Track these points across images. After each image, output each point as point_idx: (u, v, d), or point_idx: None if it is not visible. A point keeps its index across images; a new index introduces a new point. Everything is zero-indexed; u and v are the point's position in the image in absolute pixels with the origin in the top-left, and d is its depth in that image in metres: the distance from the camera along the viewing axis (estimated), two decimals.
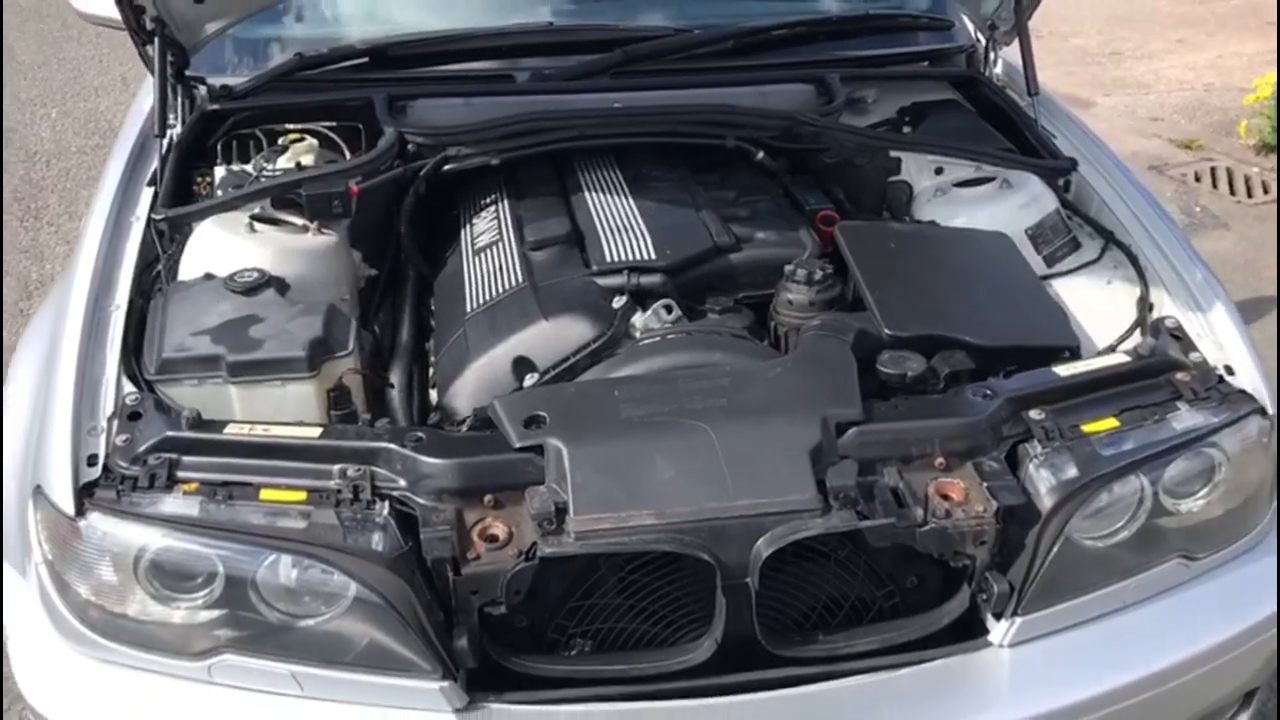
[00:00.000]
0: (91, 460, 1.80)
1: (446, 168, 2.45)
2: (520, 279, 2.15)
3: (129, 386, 1.93)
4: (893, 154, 2.53)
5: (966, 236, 2.29)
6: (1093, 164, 2.53)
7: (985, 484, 1.76)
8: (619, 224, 2.27)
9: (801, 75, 2.70)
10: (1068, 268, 2.36)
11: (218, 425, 1.82)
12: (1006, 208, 2.39)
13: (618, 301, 2.05)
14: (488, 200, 2.52)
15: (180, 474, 1.77)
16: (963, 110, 2.78)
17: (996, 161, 2.50)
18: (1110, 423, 1.87)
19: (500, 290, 2.15)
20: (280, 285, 2.11)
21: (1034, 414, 1.85)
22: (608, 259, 2.14)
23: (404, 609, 1.64)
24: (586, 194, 2.43)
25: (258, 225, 2.26)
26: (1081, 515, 1.79)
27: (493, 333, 2.06)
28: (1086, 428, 1.86)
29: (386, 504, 1.71)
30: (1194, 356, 2.00)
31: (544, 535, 1.67)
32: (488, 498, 1.72)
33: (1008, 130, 2.68)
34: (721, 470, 1.71)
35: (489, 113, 2.50)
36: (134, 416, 1.85)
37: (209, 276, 2.14)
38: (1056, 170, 2.50)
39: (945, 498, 1.76)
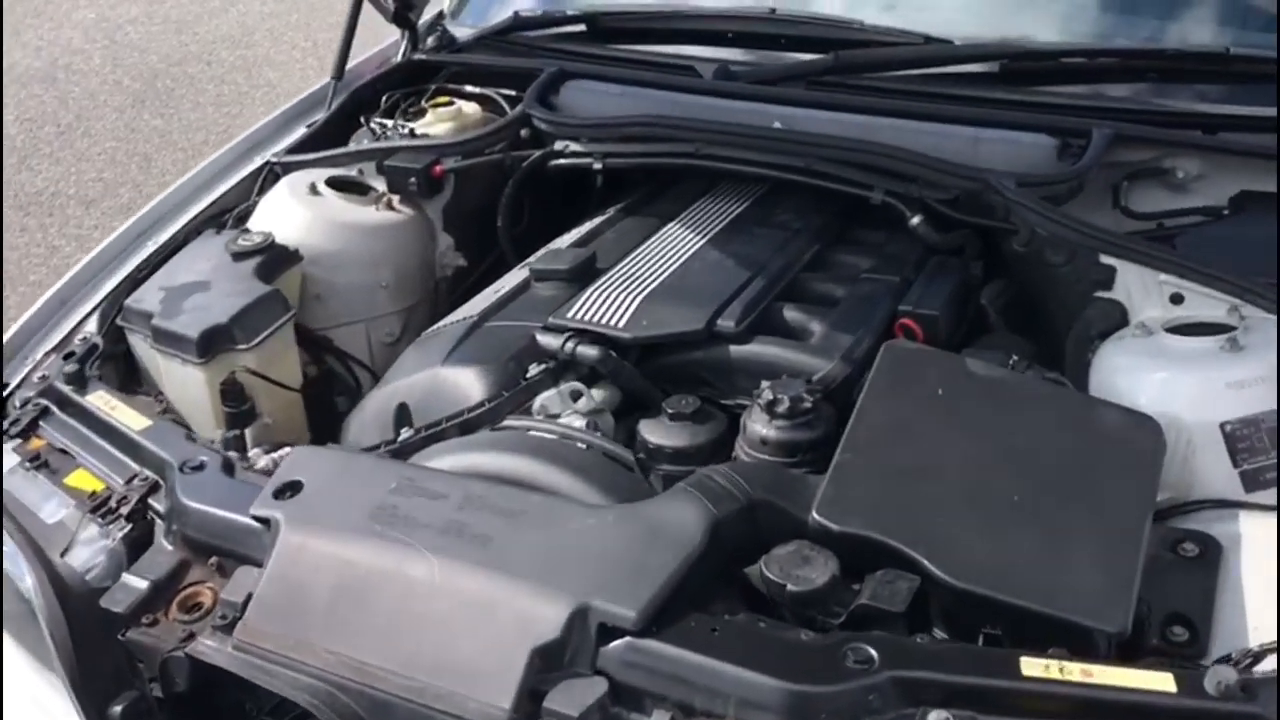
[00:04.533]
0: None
1: (552, 163, 2.11)
2: (487, 309, 1.78)
3: (93, 325, 1.90)
4: (1104, 260, 1.72)
5: (1075, 409, 1.48)
6: None
7: None
8: (639, 273, 1.79)
9: (1054, 123, 1.93)
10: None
11: (94, 388, 1.73)
12: (1213, 382, 1.51)
13: (534, 371, 1.61)
14: (607, 212, 2.14)
15: (43, 425, 1.71)
16: None
17: (1266, 303, 1.60)
18: None
19: (467, 313, 1.80)
20: (281, 257, 1.95)
21: (935, 716, 1.15)
22: (569, 314, 1.69)
23: (61, 648, 1.43)
24: (670, 227, 1.96)
25: (322, 189, 2.11)
26: None
27: (410, 363, 1.73)
28: None
29: (125, 529, 1.51)
30: None
31: (214, 629, 1.36)
32: (214, 559, 1.45)
33: None
34: (424, 629, 1.27)
35: (631, 106, 2.10)
36: (68, 356, 1.82)
37: (244, 232, 2.04)
38: None
39: None
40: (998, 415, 1.45)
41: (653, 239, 1.91)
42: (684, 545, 1.29)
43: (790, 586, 1.28)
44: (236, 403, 1.74)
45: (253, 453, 1.73)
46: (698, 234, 1.91)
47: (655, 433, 1.58)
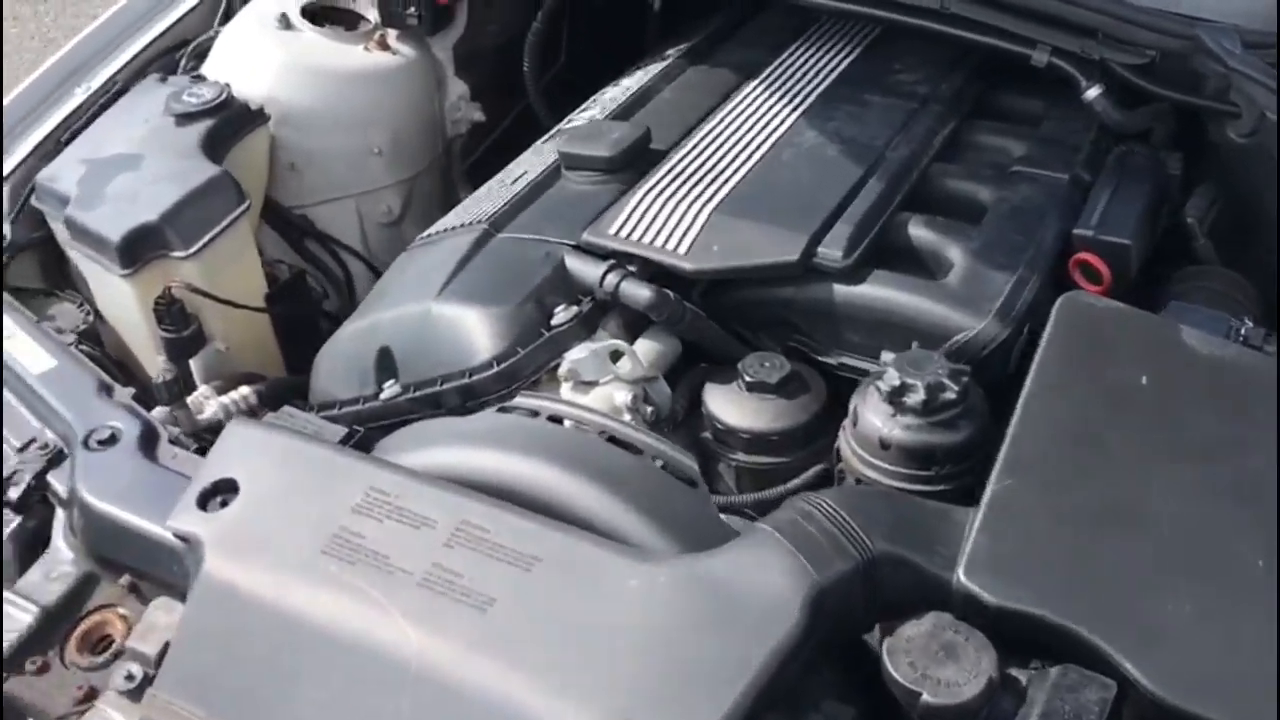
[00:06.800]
0: None
1: None
2: (494, 208, 1.32)
3: None
4: None
5: None
6: None
7: None
8: (705, 165, 1.31)
9: None
10: None
11: None
12: None
13: (562, 314, 1.17)
14: (663, 57, 1.63)
15: None
16: None
17: None
18: None
19: (475, 213, 1.34)
20: (238, 119, 1.49)
21: None
22: (611, 228, 1.23)
23: None
24: (749, 91, 1.46)
25: (296, 21, 1.62)
26: None
27: (397, 287, 1.29)
28: None
29: (13, 521, 1.13)
30: None
31: (119, 693, 1.00)
32: (126, 576, 1.08)
33: None
34: None
35: None
36: None
37: (197, 78, 1.57)
38: None
39: None
40: (1228, 421, 1.00)
41: (724, 108, 1.42)
42: (772, 631, 0.88)
43: (927, 696, 0.87)
44: (176, 326, 1.33)
45: (200, 393, 1.33)
46: (787, 102, 1.41)
47: (728, 408, 1.15)
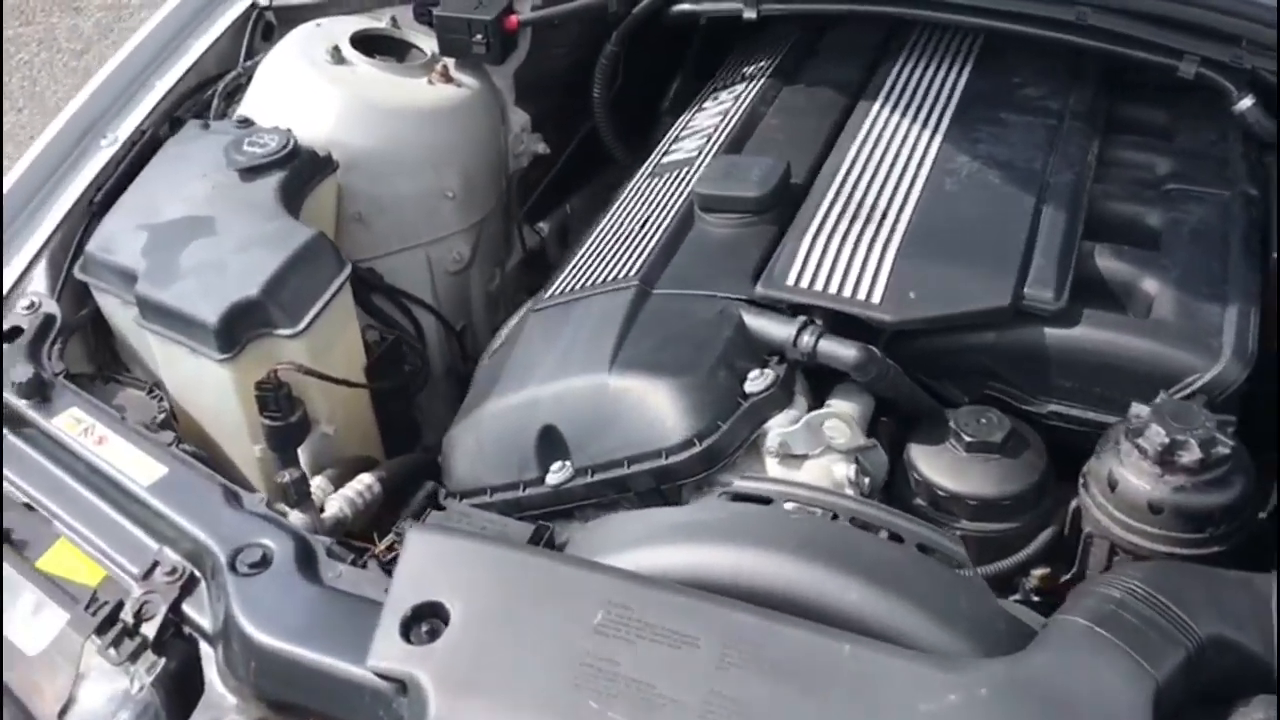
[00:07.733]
0: None
1: (676, 9, 1.49)
2: (642, 262, 1.20)
3: (38, 281, 1.30)
4: None
5: None
6: None
7: None
8: (864, 200, 1.21)
9: None
10: None
11: (62, 400, 1.16)
12: None
13: (757, 380, 1.06)
14: (744, 76, 1.53)
15: None
16: None
17: None
18: None
19: (611, 268, 1.22)
20: (309, 168, 1.33)
21: None
22: (788, 279, 1.12)
23: None
24: (873, 114, 1.36)
25: (349, 54, 1.46)
26: None
27: (542, 353, 1.16)
28: None
29: (155, 664, 0.97)
30: None
31: None
32: None
33: None
34: None
35: None
36: (11, 336, 1.24)
37: (244, 122, 1.41)
38: None
39: None
40: None
41: (852, 134, 1.32)
42: None
43: None
44: (282, 413, 1.17)
45: (316, 487, 1.19)
46: (920, 124, 1.32)
47: (947, 473, 1.05)
